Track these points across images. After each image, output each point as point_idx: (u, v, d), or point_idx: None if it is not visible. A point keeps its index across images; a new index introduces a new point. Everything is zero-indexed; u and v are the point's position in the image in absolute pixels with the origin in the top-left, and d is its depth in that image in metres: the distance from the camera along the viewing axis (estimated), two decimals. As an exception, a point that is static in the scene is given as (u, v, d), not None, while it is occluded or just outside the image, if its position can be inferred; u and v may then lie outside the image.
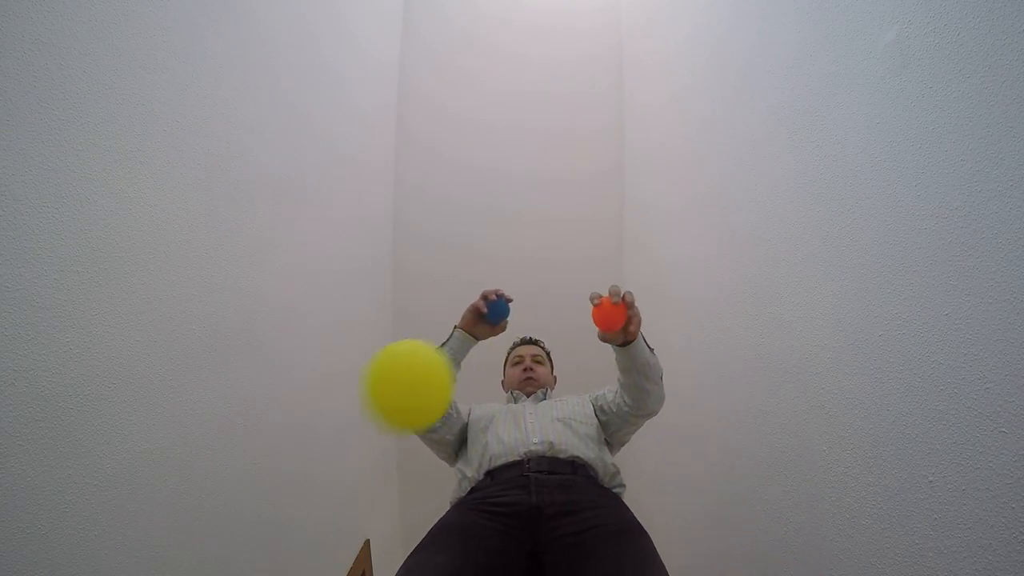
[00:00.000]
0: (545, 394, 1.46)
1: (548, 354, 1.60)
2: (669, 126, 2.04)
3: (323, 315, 1.71)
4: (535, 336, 1.62)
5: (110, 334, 0.84)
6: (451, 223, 2.62)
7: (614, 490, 1.18)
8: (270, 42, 1.34)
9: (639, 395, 1.18)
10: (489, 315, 1.19)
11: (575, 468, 1.14)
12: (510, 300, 1.21)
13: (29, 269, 0.71)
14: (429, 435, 1.25)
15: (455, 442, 1.28)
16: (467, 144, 2.64)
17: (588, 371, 2.14)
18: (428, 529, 1.10)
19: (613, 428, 1.29)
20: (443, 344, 1.22)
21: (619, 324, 1.02)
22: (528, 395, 1.46)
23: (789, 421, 1.19)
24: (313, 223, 1.61)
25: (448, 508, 1.18)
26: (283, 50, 1.41)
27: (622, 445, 1.34)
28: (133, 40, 0.88)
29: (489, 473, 1.15)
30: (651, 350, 1.16)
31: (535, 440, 1.17)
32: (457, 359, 1.22)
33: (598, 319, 1.01)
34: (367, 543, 2.11)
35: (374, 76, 2.26)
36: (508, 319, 1.24)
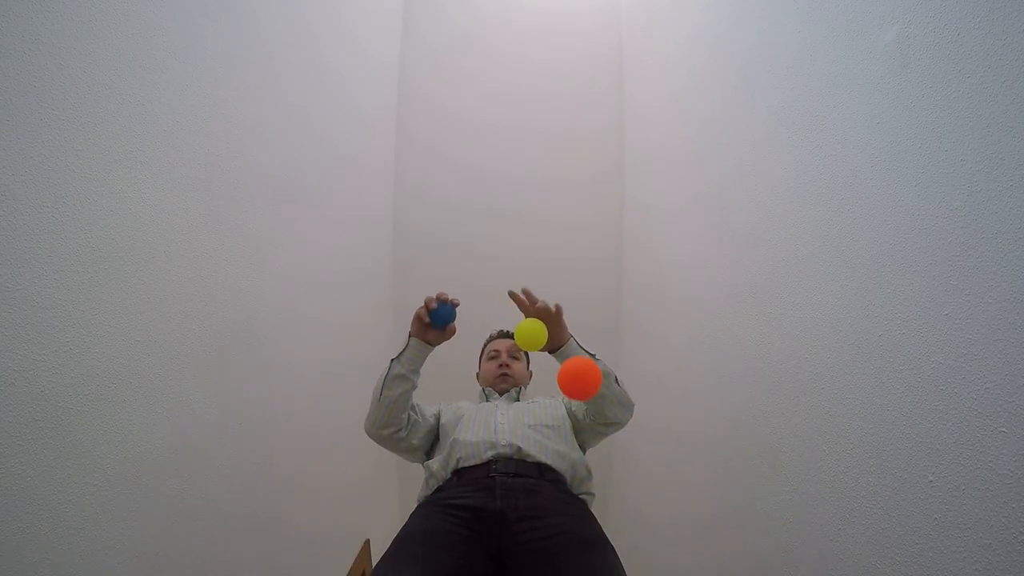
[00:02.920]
0: (519, 393, 1.45)
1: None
2: (669, 126, 2.04)
3: (323, 315, 1.71)
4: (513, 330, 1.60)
5: (110, 334, 0.84)
6: (451, 223, 2.62)
7: (581, 496, 1.17)
8: (270, 42, 1.34)
9: (594, 402, 1.18)
10: (434, 321, 1.16)
11: (541, 472, 1.13)
12: (456, 304, 1.19)
13: (29, 269, 0.71)
14: (397, 444, 1.24)
15: (424, 445, 1.27)
16: (467, 144, 2.64)
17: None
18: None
19: (582, 434, 1.29)
20: (399, 354, 1.19)
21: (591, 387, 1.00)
22: (501, 393, 1.45)
23: (789, 421, 1.19)
24: (313, 223, 1.61)
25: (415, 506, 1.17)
26: (283, 50, 1.41)
27: (591, 446, 1.34)
28: (133, 40, 0.88)
29: (456, 473, 1.15)
30: (594, 356, 1.18)
31: (503, 442, 1.16)
32: (415, 367, 1.20)
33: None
34: (367, 543, 2.11)
35: (374, 76, 2.26)
36: (455, 323, 1.21)
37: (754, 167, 1.37)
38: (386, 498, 2.49)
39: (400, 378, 1.18)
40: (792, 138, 1.20)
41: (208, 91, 1.08)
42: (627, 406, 1.22)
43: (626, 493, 2.26)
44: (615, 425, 1.24)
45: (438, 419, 1.31)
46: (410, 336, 1.20)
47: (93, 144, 0.80)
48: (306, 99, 1.55)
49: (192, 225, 1.04)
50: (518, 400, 1.42)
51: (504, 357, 1.48)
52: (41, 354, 0.72)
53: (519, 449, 1.15)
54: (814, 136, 1.12)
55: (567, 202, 2.64)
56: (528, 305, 1.19)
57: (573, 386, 0.98)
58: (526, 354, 1.57)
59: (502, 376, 1.46)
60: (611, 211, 2.64)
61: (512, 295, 1.20)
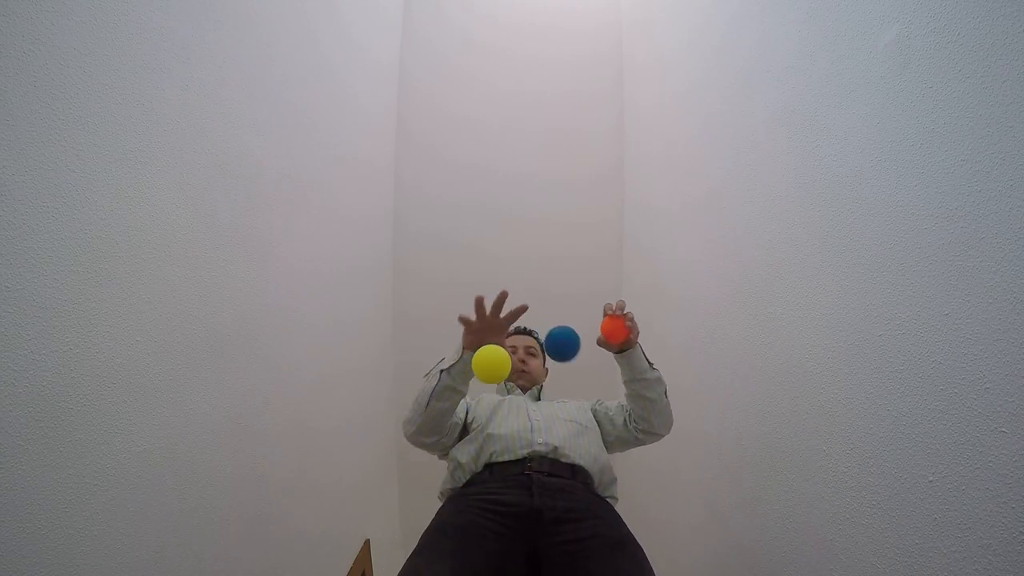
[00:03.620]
0: (539, 392, 1.45)
1: (542, 345, 1.56)
2: (669, 126, 2.04)
3: (323, 315, 1.71)
4: (530, 327, 1.58)
5: (110, 334, 0.84)
6: (451, 223, 2.62)
7: (607, 499, 1.18)
8: (270, 42, 1.34)
9: (644, 406, 1.19)
10: (558, 354, 1.16)
11: (574, 473, 1.13)
12: (526, 308, 1.15)
13: (29, 269, 0.71)
14: (435, 447, 1.22)
15: (453, 444, 1.27)
16: (467, 144, 2.64)
17: (587, 371, 2.14)
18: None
19: (612, 440, 1.29)
20: (450, 367, 1.13)
21: (619, 337, 1.13)
22: (523, 390, 1.44)
23: (789, 421, 1.19)
24: (313, 223, 1.61)
25: (442, 501, 1.17)
26: (283, 50, 1.41)
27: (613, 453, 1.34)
28: (133, 40, 0.88)
29: (488, 467, 1.14)
30: (651, 365, 1.19)
31: (540, 440, 1.16)
32: (467, 379, 1.15)
33: (605, 327, 1.13)
34: (367, 543, 2.11)
35: (374, 76, 2.25)
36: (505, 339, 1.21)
37: (754, 167, 1.37)
38: (386, 498, 2.49)
39: (451, 390, 1.14)
40: (792, 138, 1.20)
41: (208, 91, 1.08)
42: (669, 421, 1.24)
43: (627, 492, 2.25)
44: (654, 436, 1.25)
45: (467, 412, 1.30)
46: (464, 349, 1.14)
47: (93, 144, 0.80)
48: (306, 99, 1.55)
49: (192, 225, 1.04)
50: (539, 399, 1.42)
51: (521, 353, 1.47)
52: (41, 354, 0.72)
53: (555, 448, 1.14)
54: (814, 136, 1.12)
55: (567, 202, 2.65)
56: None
57: (611, 330, 1.10)
58: (542, 351, 1.56)
59: (519, 373, 1.45)
60: (611, 211, 2.64)
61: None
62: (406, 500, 2.61)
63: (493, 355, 1.00)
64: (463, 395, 1.18)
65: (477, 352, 1.02)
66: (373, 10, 2.21)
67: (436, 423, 1.17)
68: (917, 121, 0.87)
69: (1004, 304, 0.73)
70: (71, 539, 0.76)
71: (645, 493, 2.12)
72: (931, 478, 0.83)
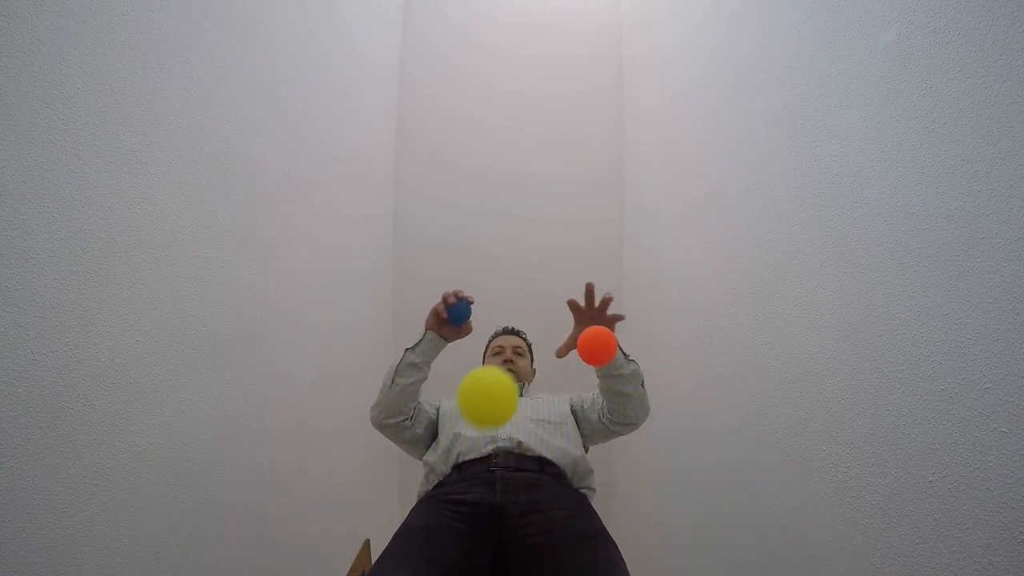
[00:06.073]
0: (523, 390, 1.44)
1: (529, 346, 1.57)
2: (669, 126, 2.04)
3: (323, 315, 1.71)
4: (518, 327, 1.59)
5: (110, 334, 0.84)
6: (451, 223, 2.62)
7: (581, 491, 1.17)
8: (270, 42, 1.34)
9: (618, 400, 1.18)
10: (450, 318, 1.18)
11: (542, 466, 1.13)
12: (471, 301, 1.19)
13: (29, 269, 0.71)
14: (401, 433, 1.23)
15: (425, 438, 1.27)
16: (467, 144, 2.64)
17: (586, 371, 2.14)
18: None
19: (591, 435, 1.28)
20: (414, 346, 1.20)
21: (606, 358, 1.02)
22: None
23: (789, 421, 1.19)
24: (313, 223, 1.61)
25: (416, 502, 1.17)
26: (283, 50, 1.41)
27: (594, 445, 1.34)
28: (134, 40, 0.88)
29: (456, 467, 1.14)
30: (627, 357, 1.16)
31: (503, 436, 1.16)
32: (428, 360, 1.21)
33: (588, 343, 1.00)
34: (367, 543, 2.11)
35: (374, 76, 2.26)
36: (471, 320, 1.22)
37: (754, 167, 1.37)
38: (386, 498, 2.49)
39: (413, 367, 1.19)
40: (792, 138, 1.20)
41: (208, 91, 1.08)
42: (646, 409, 1.23)
43: (627, 492, 2.26)
44: (631, 426, 1.23)
45: (439, 411, 1.31)
46: (426, 329, 1.21)
47: (93, 144, 0.80)
48: (306, 99, 1.55)
49: (192, 225, 1.04)
50: (522, 396, 1.42)
51: (508, 353, 1.48)
52: (41, 354, 0.72)
53: (519, 443, 1.15)
54: (814, 136, 1.12)
55: (567, 202, 2.64)
56: (586, 310, 1.11)
57: (591, 349, 0.98)
58: (530, 351, 1.56)
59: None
60: (611, 211, 2.64)
61: (571, 302, 1.12)
62: (406, 500, 2.61)
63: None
64: (425, 374, 1.22)
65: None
66: (373, 10, 2.21)
67: (399, 401, 1.20)
68: (917, 121, 0.87)
69: (1004, 304, 0.73)
70: (71, 539, 0.76)
71: (643, 493, 2.12)
72: (931, 478, 0.83)
